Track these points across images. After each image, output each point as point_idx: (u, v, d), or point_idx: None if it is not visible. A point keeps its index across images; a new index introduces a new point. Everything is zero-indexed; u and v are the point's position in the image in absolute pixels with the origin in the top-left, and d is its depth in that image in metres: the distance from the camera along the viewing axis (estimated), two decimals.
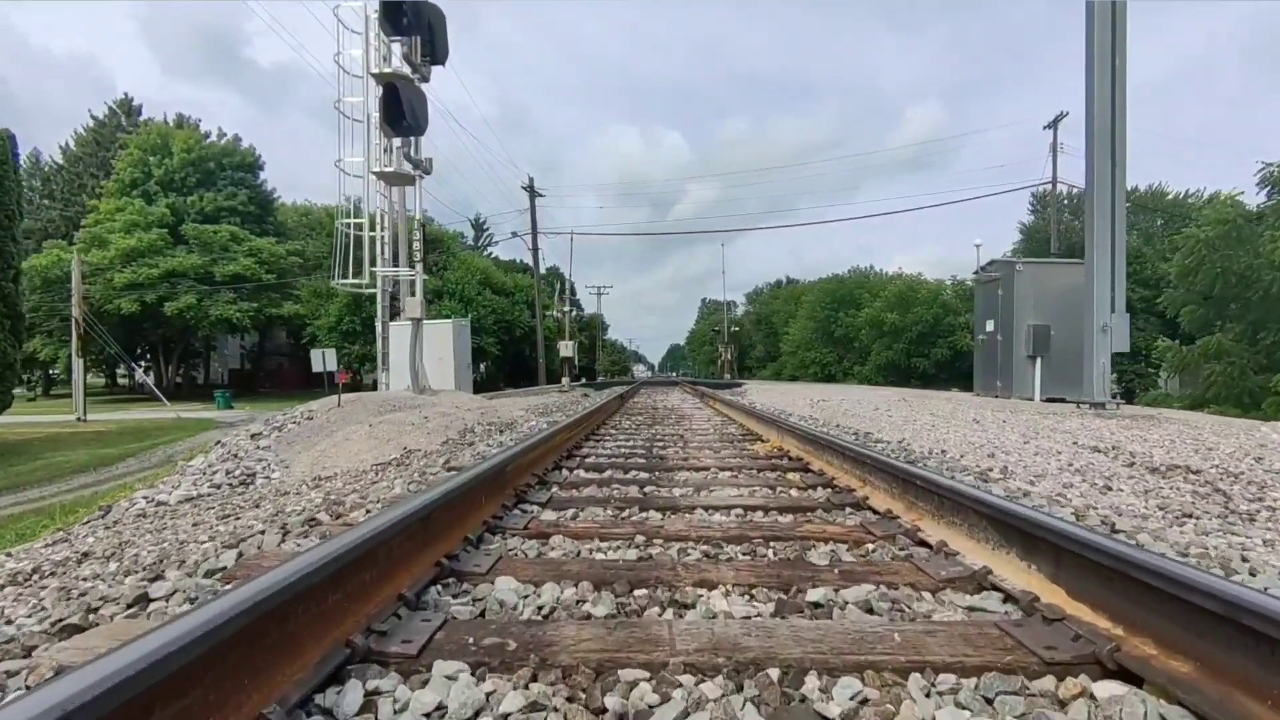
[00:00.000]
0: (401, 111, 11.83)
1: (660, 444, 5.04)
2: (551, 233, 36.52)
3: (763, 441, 5.13)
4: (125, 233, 38.15)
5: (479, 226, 75.60)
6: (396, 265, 12.79)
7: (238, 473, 8.41)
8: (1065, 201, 67.02)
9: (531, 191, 34.07)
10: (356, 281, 12.41)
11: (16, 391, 48.22)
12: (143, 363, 49.26)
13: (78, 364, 27.69)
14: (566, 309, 26.15)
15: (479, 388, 49.44)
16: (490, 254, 69.76)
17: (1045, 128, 37.90)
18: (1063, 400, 12.24)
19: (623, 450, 4.53)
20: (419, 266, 12.34)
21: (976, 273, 13.07)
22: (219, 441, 11.14)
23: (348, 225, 12.41)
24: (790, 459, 4.10)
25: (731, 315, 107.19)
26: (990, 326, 12.80)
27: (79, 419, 27.30)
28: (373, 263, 12.66)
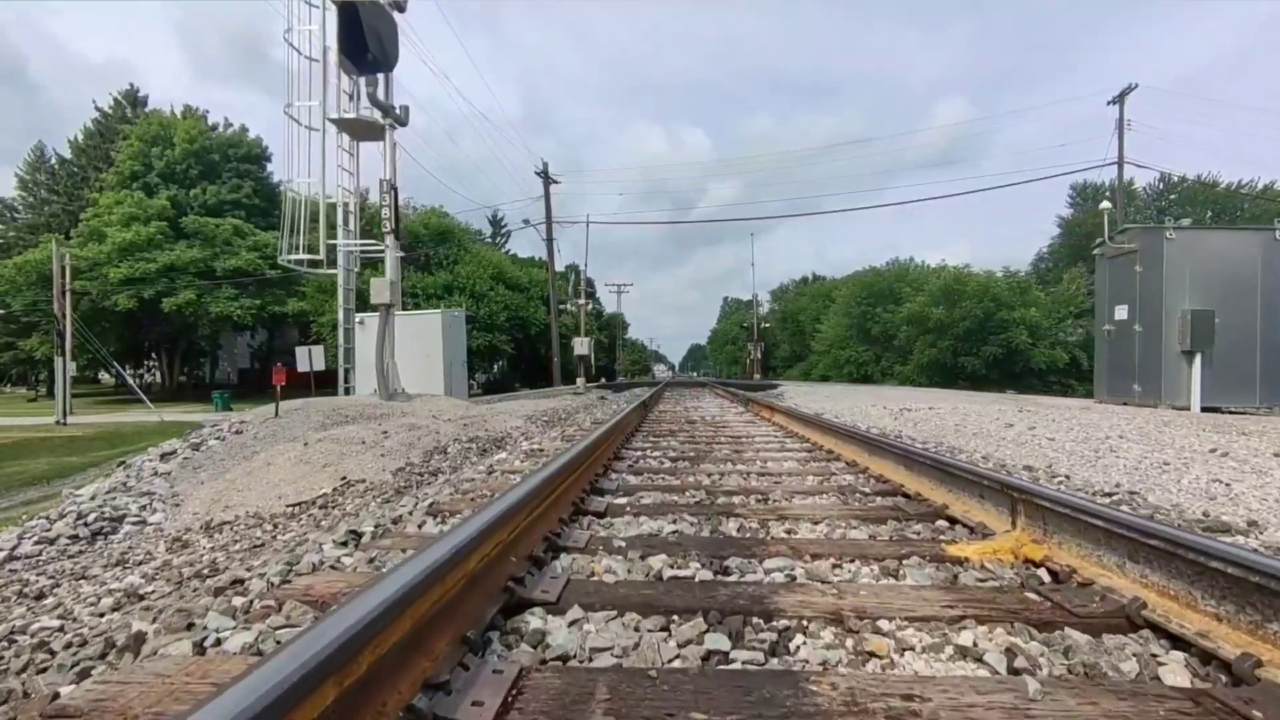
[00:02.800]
0: (364, 42, 9.27)
1: (735, 531, 2.32)
2: (567, 221, 34.02)
3: (955, 528, 2.38)
4: (123, 226, 36.39)
5: (497, 223, 73.57)
6: (381, 240, 10.23)
7: (93, 519, 5.86)
8: (1106, 194, 62.92)
9: (546, 177, 31.52)
10: (313, 258, 9.88)
11: (19, 390, 47.02)
12: (149, 361, 47.75)
13: (59, 363, 25.77)
14: (582, 301, 23.52)
15: (492, 388, 47.21)
16: (509, 250, 67.64)
17: (1109, 103, 34.50)
18: (1219, 410, 9.26)
19: (652, 570, 1.79)
20: (390, 239, 9.75)
21: (1101, 242, 10.15)
22: (122, 462, 8.69)
23: (296, 187, 9.91)
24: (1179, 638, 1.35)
25: (753, 310, 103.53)
26: (1122, 313, 9.86)
27: (58, 422, 25.39)
28: (331, 233, 10.13)
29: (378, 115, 9.93)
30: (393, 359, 9.86)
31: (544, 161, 30.90)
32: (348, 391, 10.12)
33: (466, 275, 39.02)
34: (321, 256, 9.68)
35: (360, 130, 10.05)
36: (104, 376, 51.42)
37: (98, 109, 46.28)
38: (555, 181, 32.00)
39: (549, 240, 32.06)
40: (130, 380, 26.58)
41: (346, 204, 10.21)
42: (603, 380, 77.30)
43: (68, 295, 34.03)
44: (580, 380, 22.79)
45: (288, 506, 6.06)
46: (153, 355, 45.04)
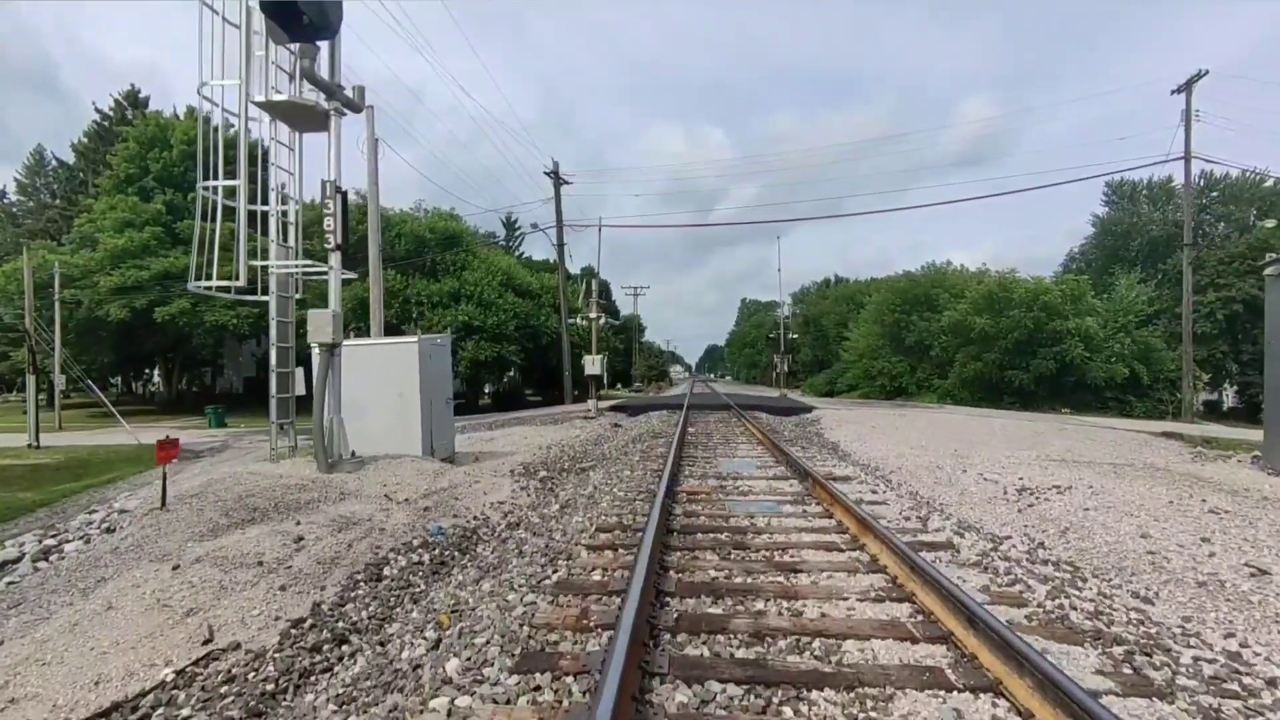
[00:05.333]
0: (295, 2, 7.00)
1: None
2: (578, 224, 31.69)
3: None
4: (116, 232, 34.70)
5: (510, 225, 71.54)
6: (329, 254, 7.91)
7: None
8: (1144, 192, 59.09)
9: (556, 178, 29.21)
10: (226, 285, 7.59)
11: (10, 398, 45.68)
12: (148, 371, 46.27)
13: (30, 380, 23.94)
14: (594, 315, 21.19)
15: (501, 399, 44.97)
16: (523, 254, 65.55)
17: (1174, 92, 31.48)
18: None
19: None
20: (335, 257, 7.43)
21: (1275, 260, 7.55)
22: None
23: (211, 190, 7.67)
24: None
25: (776, 316, 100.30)
26: None
27: (30, 445, 23.56)
28: (258, 251, 7.84)
29: (319, 99, 7.61)
30: (338, 414, 7.53)
31: (554, 161, 28.57)
32: (280, 457, 7.77)
33: (474, 282, 36.85)
34: (242, 282, 7.37)
35: (298, 117, 7.75)
36: (108, 385, 50.06)
37: (98, 111, 44.86)
38: (566, 182, 29.68)
39: (559, 245, 29.77)
40: (100, 395, 24.69)
41: (284, 212, 7.90)
42: (618, 386, 74.72)
43: (57, 305, 32.46)
44: (592, 403, 20.47)
45: (89, 717, 3.72)
46: (152, 365, 43.50)
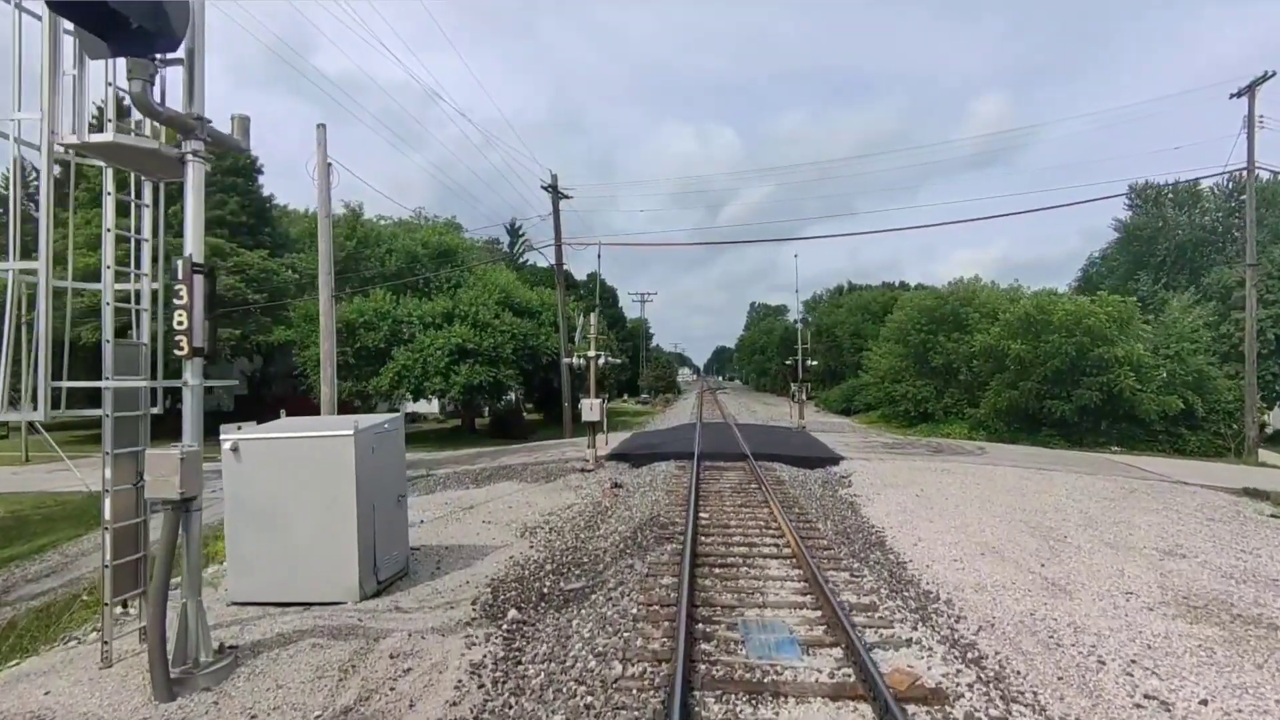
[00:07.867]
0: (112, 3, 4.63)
1: None
2: (578, 243, 29.31)
3: None
4: (89, 249, 32.60)
5: (515, 232, 69.22)
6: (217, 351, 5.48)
7: None
8: (1169, 196, 55.89)
9: (554, 191, 26.81)
10: (16, 419, 5.20)
11: None
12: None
13: None
14: (593, 354, 18.79)
15: (498, 422, 42.49)
16: (527, 261, 63.21)
17: (1233, 96, 28.81)
18: None
19: None
20: (193, 366, 5.04)
21: None
22: None
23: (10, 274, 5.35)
24: None
25: (786, 322, 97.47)
26: None
27: None
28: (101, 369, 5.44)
29: (163, 139, 5.24)
30: (195, 598, 5.13)
31: (552, 174, 26.17)
32: (105, 658, 5.33)
33: (469, 301, 34.44)
34: (40, 415, 4.98)
35: (142, 163, 5.37)
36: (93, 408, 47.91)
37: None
38: (565, 196, 27.28)
39: (558, 265, 27.37)
40: (48, 437, 22.48)
41: (137, 294, 5.55)
42: (625, 396, 72.02)
43: (23, 329, 30.35)
44: (591, 453, 18.06)
45: None
46: None
